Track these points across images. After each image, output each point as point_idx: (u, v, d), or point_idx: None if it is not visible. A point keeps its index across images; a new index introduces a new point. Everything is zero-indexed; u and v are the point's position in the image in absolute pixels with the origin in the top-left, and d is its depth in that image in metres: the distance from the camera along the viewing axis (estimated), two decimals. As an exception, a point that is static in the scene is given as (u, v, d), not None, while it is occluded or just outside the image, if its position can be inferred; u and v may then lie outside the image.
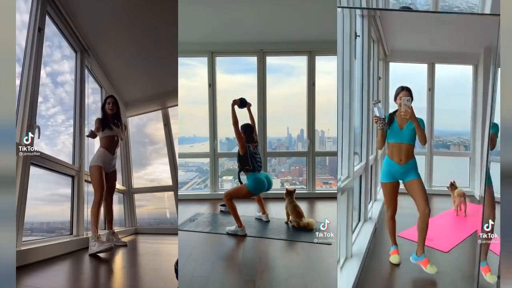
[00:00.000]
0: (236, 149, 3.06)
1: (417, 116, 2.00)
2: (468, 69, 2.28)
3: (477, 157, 2.39)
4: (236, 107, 2.96)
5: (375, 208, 2.54)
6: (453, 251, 2.23)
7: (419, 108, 2.04)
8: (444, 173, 2.50)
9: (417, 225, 2.07)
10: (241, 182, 3.07)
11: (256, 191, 2.96)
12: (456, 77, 2.33)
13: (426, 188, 2.10)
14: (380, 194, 2.48)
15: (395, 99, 2.05)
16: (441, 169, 2.50)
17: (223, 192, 3.03)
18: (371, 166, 2.52)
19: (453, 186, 2.45)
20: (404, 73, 2.38)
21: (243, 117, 3.07)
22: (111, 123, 2.88)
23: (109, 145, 2.85)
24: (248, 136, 3.02)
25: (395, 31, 2.28)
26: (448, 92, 2.35)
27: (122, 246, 2.97)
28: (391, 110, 2.12)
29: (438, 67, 2.35)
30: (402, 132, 2.05)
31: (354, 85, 2.11)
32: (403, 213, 2.17)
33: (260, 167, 3.02)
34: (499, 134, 2.02)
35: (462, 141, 2.36)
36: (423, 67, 2.37)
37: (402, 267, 2.12)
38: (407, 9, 2.05)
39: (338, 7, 1.90)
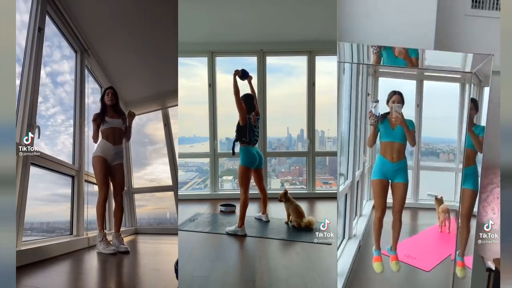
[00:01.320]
0: (236, 148, 3.06)
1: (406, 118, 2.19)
2: (455, 86, 2.29)
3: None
4: (237, 78, 2.95)
5: (360, 224, 2.53)
6: (435, 270, 2.26)
7: (408, 115, 2.19)
8: (430, 186, 2.49)
9: (392, 226, 2.23)
10: (233, 152, 3.06)
11: (250, 164, 2.98)
12: (445, 86, 2.35)
13: (412, 201, 2.31)
14: (365, 210, 2.50)
15: (387, 103, 2.22)
16: (428, 182, 2.49)
17: (224, 192, 3.03)
18: (357, 182, 2.52)
19: (438, 201, 2.42)
20: (393, 87, 2.39)
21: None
22: (111, 114, 2.85)
23: (109, 136, 2.81)
24: (249, 105, 3.02)
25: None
26: (437, 99, 2.38)
27: (124, 253, 2.78)
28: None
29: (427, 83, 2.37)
30: (394, 132, 2.20)
31: (342, 102, 2.20)
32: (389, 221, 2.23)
33: (256, 141, 3.04)
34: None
35: (452, 149, 2.37)
36: (412, 83, 2.39)
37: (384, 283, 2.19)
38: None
39: (339, 62, 2.03)
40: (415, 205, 2.40)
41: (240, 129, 2.98)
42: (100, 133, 2.83)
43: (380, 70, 2.32)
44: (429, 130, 2.36)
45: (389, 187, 2.23)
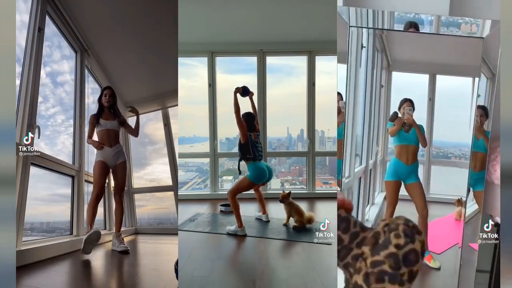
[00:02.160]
0: (236, 149, 3.06)
1: (418, 123, 2.30)
2: (469, 80, 2.31)
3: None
4: (238, 95, 2.96)
5: (372, 212, 2.58)
6: (446, 253, 2.32)
7: (420, 117, 2.30)
8: (442, 182, 2.54)
9: (419, 225, 2.19)
10: (240, 171, 3.06)
11: (258, 180, 2.96)
12: (457, 87, 2.38)
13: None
14: (378, 199, 2.55)
15: (399, 109, 2.33)
16: (440, 179, 2.53)
17: (224, 192, 3.02)
18: (370, 170, 2.59)
19: (459, 202, 2.44)
20: (406, 82, 2.47)
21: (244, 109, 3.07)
22: (106, 115, 2.83)
23: (104, 139, 2.81)
24: (250, 124, 3.01)
25: (399, 42, 2.41)
26: (449, 103, 2.40)
27: (124, 252, 2.73)
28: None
29: (440, 77, 2.40)
30: (409, 136, 2.33)
31: (358, 92, 2.27)
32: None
33: (261, 156, 3.02)
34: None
35: (464, 153, 2.39)
36: (425, 77, 2.43)
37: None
38: (412, 25, 2.20)
39: (350, 26, 2.05)
40: (427, 198, 2.46)
41: (242, 147, 2.98)
42: (96, 135, 2.82)
43: (393, 63, 2.38)
44: (440, 134, 2.42)
45: (401, 186, 2.34)
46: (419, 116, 2.29)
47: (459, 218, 2.44)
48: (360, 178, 2.50)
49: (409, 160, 2.33)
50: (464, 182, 2.29)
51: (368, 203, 2.55)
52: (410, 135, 2.34)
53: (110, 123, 2.84)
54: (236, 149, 3.08)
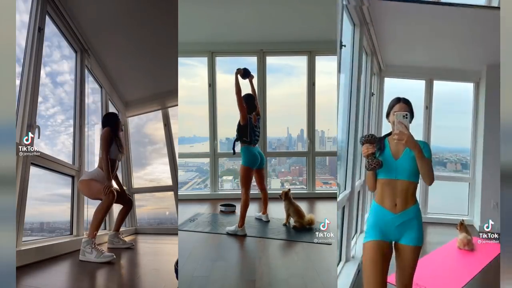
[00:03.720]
0: (236, 148, 3.06)
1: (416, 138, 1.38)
2: (468, 86, 2.18)
3: (477, 181, 2.08)
4: (239, 76, 2.96)
5: (359, 243, 2.15)
6: None
7: (415, 125, 1.50)
8: (440, 198, 2.29)
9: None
10: (234, 152, 3.08)
11: (252, 164, 2.97)
12: (455, 94, 2.24)
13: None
14: None
15: (388, 115, 1.46)
16: (437, 193, 2.27)
17: (224, 192, 3.01)
18: (358, 192, 2.20)
19: (462, 226, 2.17)
20: (401, 88, 2.28)
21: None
22: (119, 146, 2.66)
23: (112, 169, 2.59)
24: (250, 105, 3.02)
25: (391, 44, 2.12)
26: (446, 109, 2.25)
27: (129, 248, 2.75)
28: (383, 132, 1.56)
29: (437, 83, 2.24)
30: (397, 164, 1.41)
31: (341, 101, 1.83)
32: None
33: (256, 140, 3.03)
34: None
35: (459, 158, 2.25)
36: (421, 84, 2.24)
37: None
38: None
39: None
40: (423, 220, 1.98)
41: (240, 129, 2.98)
42: (103, 159, 2.54)
43: (385, 69, 2.20)
44: (436, 138, 2.22)
45: (392, 251, 1.44)
46: (414, 124, 1.48)
47: (463, 247, 2.09)
48: (344, 206, 2.12)
49: (397, 205, 1.40)
50: (464, 197, 2.09)
51: (355, 233, 2.09)
52: (399, 162, 1.40)
53: (120, 155, 2.66)
54: (235, 149, 3.08)
